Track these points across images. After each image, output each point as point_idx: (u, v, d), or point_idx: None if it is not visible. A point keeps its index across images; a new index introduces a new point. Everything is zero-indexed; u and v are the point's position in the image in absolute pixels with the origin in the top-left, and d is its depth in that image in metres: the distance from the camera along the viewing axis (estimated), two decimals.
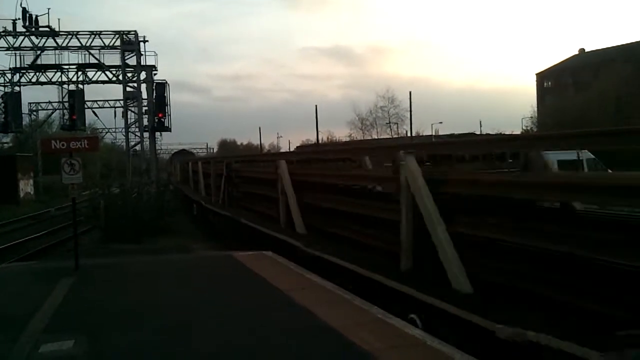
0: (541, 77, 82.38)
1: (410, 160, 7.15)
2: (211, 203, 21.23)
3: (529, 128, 62.11)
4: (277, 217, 12.54)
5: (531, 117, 66.97)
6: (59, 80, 39.67)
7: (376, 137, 70.21)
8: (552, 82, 79.74)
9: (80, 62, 37.66)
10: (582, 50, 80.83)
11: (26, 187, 42.90)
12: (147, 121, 37.58)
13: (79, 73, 38.57)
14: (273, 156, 16.06)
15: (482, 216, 6.62)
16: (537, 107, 71.65)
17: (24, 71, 38.38)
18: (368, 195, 9.62)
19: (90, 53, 36.76)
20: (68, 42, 35.98)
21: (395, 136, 68.85)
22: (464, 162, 9.56)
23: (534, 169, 7.25)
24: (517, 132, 57.43)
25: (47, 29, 34.03)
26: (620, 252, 4.77)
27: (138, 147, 38.24)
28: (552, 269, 5.47)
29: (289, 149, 76.65)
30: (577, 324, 4.61)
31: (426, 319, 6.12)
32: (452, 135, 42.62)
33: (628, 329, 4.24)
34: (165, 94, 38.31)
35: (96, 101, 48.08)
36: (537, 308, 5.09)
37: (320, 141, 68.70)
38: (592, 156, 22.46)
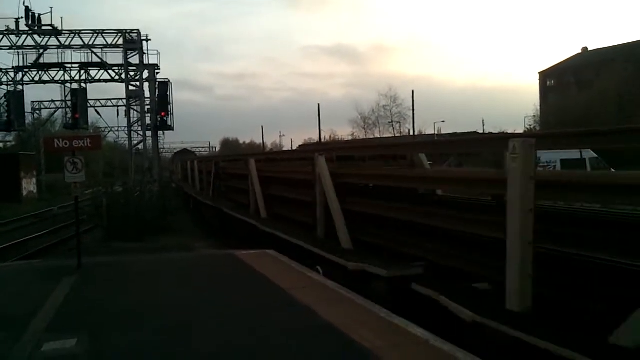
0: (544, 75, 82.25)
1: (321, 160, 9.93)
2: (202, 196, 24.42)
3: (532, 127, 62.03)
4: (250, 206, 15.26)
5: (534, 115, 66.98)
6: (62, 79, 39.78)
7: (379, 136, 70.21)
8: (554, 80, 79.64)
9: (82, 60, 37.67)
10: (585, 49, 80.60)
11: (29, 185, 43.00)
12: (150, 120, 37.61)
13: (82, 72, 38.61)
14: (246, 156, 18.68)
15: (363, 198, 9.68)
16: (540, 105, 71.64)
17: (27, 70, 38.42)
18: (303, 185, 11.77)
19: (92, 52, 36.78)
20: (71, 41, 36.01)
21: (398, 135, 68.82)
22: (384, 160, 11.87)
23: (417, 166, 10.37)
24: (520, 130, 57.36)
25: (49, 27, 34.05)
26: (441, 220, 7.31)
27: (141, 146, 38.24)
28: (401, 232, 8.29)
29: (291, 147, 76.70)
30: (398, 262, 7.45)
31: (325, 268, 8.90)
32: (454, 134, 42.61)
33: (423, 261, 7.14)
34: (168, 93, 38.38)
35: (99, 100, 48.35)
36: (384, 255, 8.09)
37: (322, 139, 68.74)
38: (595, 155, 22.48)
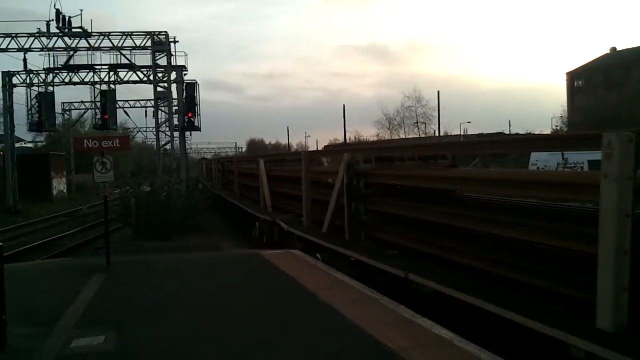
0: (572, 76, 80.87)
1: (261, 162, 17.20)
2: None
3: (559, 127, 61.19)
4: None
5: (561, 116, 66.06)
6: (91, 80, 40.15)
7: (404, 137, 69.85)
8: (582, 81, 78.30)
9: (111, 62, 37.98)
10: (613, 49, 79.03)
11: (59, 185, 43.77)
12: (177, 121, 37.86)
13: (111, 73, 38.95)
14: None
15: (281, 183, 15.86)
16: (568, 106, 70.59)
17: (58, 71, 38.89)
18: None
19: (121, 53, 37.08)
20: (100, 43, 36.35)
21: (423, 135, 68.42)
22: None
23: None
24: (547, 131, 56.69)
25: (79, 30, 34.45)
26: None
27: (168, 147, 38.54)
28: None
29: (317, 148, 76.69)
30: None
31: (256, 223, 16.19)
32: (480, 135, 42.30)
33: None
34: (195, 94, 38.54)
35: (127, 101, 48.86)
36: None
37: (347, 140, 68.66)
38: None
